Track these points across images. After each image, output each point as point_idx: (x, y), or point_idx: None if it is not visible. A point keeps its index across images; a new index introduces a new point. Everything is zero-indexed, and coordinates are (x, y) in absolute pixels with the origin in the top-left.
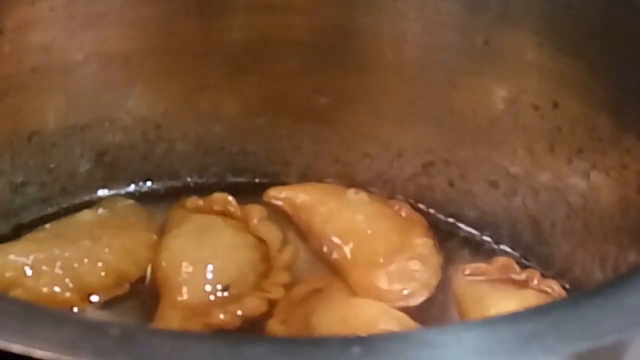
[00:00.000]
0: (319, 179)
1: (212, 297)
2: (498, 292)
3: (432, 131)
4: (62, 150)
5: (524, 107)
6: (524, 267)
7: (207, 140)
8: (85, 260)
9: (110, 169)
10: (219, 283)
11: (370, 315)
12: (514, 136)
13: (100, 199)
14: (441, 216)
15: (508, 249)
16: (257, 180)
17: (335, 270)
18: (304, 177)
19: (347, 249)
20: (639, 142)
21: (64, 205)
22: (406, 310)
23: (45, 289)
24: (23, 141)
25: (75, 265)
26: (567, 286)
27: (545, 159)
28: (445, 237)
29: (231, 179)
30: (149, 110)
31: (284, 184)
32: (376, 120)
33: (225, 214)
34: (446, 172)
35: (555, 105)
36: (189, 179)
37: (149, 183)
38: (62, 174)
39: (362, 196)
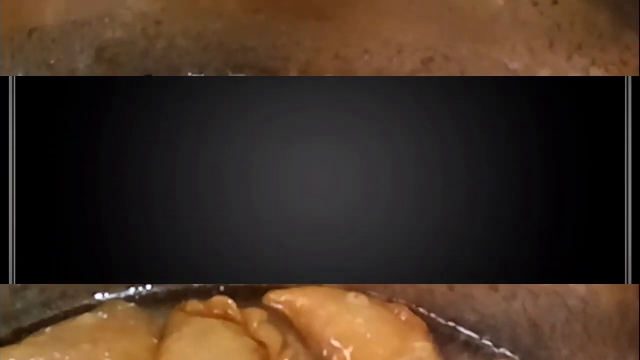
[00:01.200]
0: (320, 74)
1: None
2: None
3: (432, 28)
4: (62, 46)
5: (523, 3)
6: None
7: (207, 36)
8: None
9: (110, 65)
10: None
11: None
12: (514, 32)
13: (100, 302)
14: (441, 320)
15: (508, 353)
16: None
17: None
18: (304, 73)
19: (347, 353)
20: (639, 38)
21: (64, 309)
22: None
23: None
24: (23, 37)
25: None
26: None
27: (544, 55)
28: (445, 340)
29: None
30: (149, 6)
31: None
32: (377, 17)
33: (225, 318)
34: (446, 69)
35: (555, 1)
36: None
37: (149, 287)
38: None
39: (362, 300)
